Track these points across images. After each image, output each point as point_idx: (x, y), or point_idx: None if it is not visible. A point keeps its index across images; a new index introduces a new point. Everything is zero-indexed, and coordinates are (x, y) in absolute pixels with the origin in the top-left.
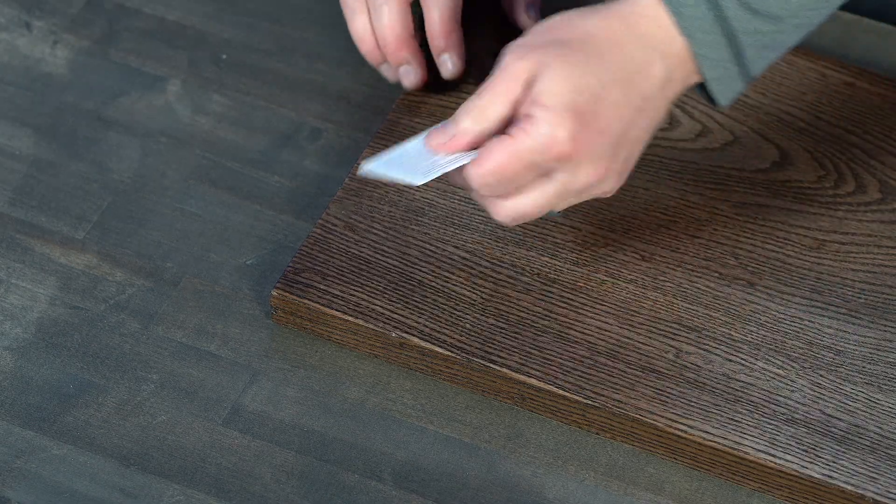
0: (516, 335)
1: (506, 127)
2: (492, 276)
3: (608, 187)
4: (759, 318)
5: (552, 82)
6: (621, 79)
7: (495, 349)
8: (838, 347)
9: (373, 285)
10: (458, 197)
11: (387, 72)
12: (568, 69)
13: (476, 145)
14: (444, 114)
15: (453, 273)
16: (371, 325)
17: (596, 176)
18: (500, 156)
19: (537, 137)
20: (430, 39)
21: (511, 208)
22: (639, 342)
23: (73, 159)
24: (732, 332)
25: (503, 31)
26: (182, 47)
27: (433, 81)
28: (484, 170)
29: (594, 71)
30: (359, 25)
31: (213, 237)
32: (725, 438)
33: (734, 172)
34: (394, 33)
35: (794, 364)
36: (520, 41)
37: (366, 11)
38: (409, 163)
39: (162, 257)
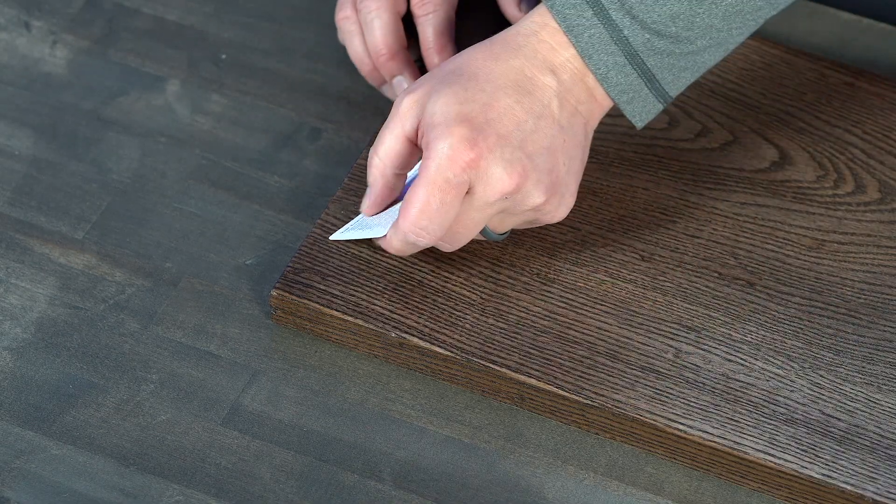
0: (516, 335)
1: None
2: (491, 276)
3: (540, 200)
4: (759, 318)
5: (437, 103)
6: (509, 87)
7: (495, 349)
8: (837, 347)
9: (372, 285)
10: None
11: (388, 92)
12: (451, 88)
13: (386, 190)
14: None
15: (453, 273)
16: (370, 325)
17: (512, 184)
18: (418, 194)
19: (438, 156)
20: (424, 57)
21: (449, 232)
22: (638, 342)
23: (73, 159)
24: (732, 332)
25: (498, 27)
26: (181, 47)
27: None
28: (412, 216)
29: (479, 85)
30: (357, 48)
31: (213, 237)
32: (725, 438)
33: (733, 172)
34: (385, 44)
35: (793, 364)
36: (410, 85)
37: (361, 34)
38: (370, 222)
39: (161, 257)
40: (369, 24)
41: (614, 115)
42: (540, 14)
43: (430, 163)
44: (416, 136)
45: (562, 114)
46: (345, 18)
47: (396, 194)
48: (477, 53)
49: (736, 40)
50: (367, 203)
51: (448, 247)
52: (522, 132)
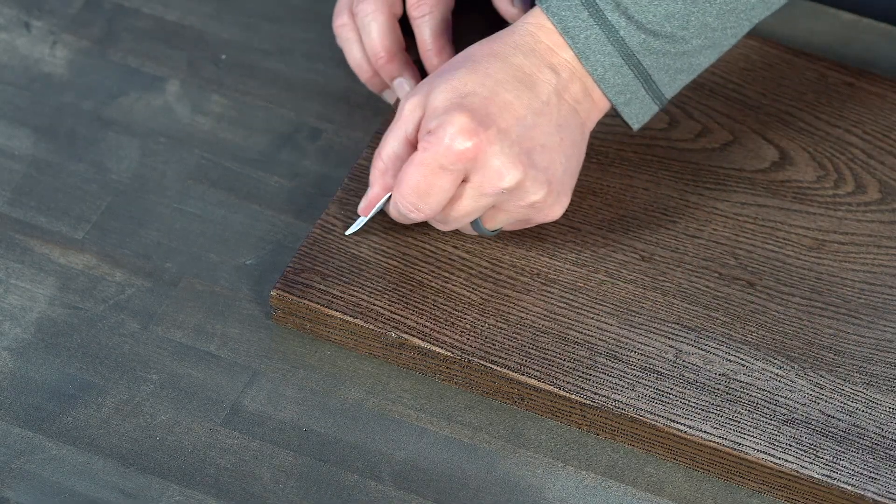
0: (516, 335)
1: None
2: (491, 277)
3: (536, 197)
4: (759, 319)
5: (439, 96)
6: (508, 82)
7: (495, 349)
8: (838, 348)
9: (372, 285)
10: None
11: (389, 98)
12: (451, 82)
13: (383, 192)
14: None
15: (453, 273)
16: (370, 326)
17: (511, 179)
18: (411, 171)
19: (437, 142)
20: (423, 59)
21: (441, 214)
22: (639, 342)
23: (73, 159)
24: (732, 333)
25: (493, 26)
26: (181, 47)
27: None
28: (403, 189)
29: (479, 79)
30: (355, 54)
31: (213, 237)
32: (725, 438)
33: (734, 172)
34: (383, 46)
35: (793, 364)
36: (413, 89)
37: (358, 40)
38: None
39: (161, 257)
40: (366, 27)
41: (614, 114)
42: (535, 16)
43: (426, 145)
44: (418, 138)
45: (560, 111)
46: (342, 25)
47: None
48: (475, 51)
49: (730, 41)
50: (365, 203)
51: (442, 226)
52: (522, 127)
